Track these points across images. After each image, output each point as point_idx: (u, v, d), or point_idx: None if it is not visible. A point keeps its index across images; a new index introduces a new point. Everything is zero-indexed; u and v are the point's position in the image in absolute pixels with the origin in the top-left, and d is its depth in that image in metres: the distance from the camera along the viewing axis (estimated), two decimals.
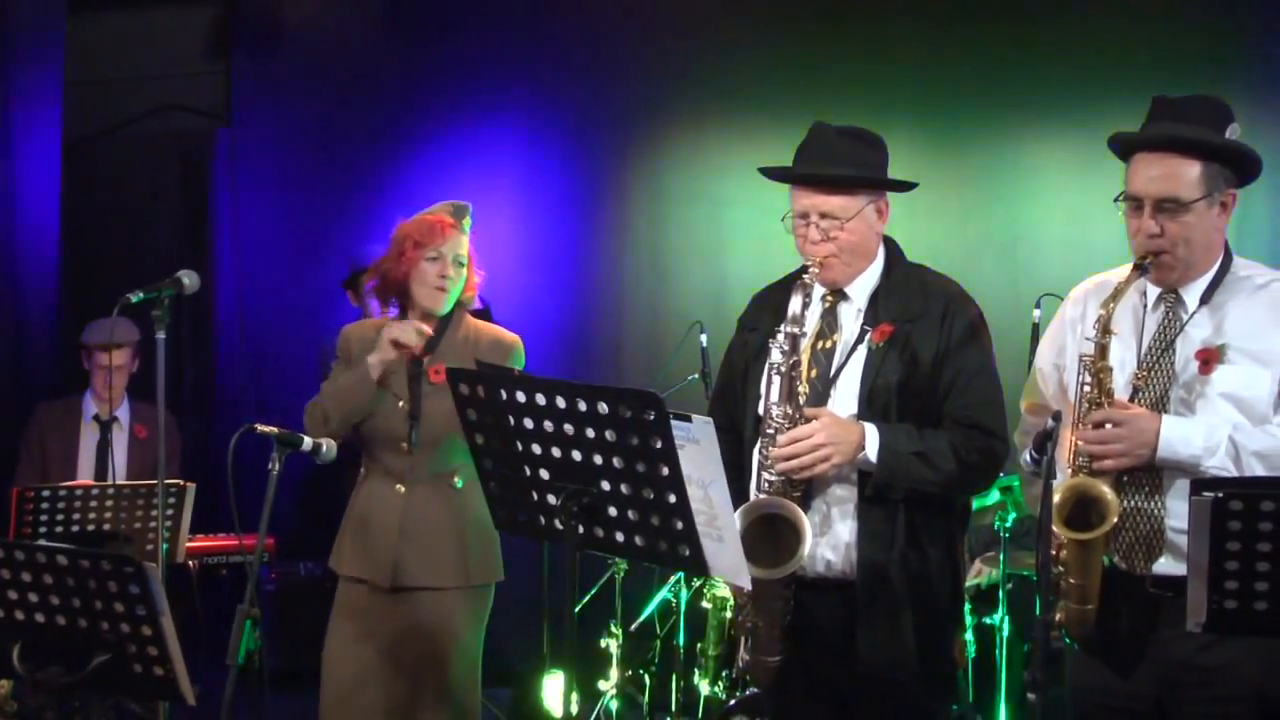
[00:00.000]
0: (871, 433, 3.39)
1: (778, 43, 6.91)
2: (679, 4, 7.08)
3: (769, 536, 3.33)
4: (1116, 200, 3.39)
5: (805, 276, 3.47)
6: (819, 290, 3.58)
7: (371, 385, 4.15)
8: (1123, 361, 3.36)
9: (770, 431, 3.43)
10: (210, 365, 7.65)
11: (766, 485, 3.43)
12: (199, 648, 4.63)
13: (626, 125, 7.16)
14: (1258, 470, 3.18)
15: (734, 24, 7.00)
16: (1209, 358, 3.30)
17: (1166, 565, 3.28)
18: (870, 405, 3.46)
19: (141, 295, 4.29)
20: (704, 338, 5.84)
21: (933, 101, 6.62)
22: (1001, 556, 5.17)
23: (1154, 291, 3.42)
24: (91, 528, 4.94)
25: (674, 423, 2.84)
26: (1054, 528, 3.19)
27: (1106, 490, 3.23)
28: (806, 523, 3.34)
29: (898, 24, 6.75)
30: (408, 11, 7.49)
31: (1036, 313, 5.14)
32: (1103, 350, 3.30)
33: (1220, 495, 2.75)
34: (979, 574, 5.54)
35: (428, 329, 4.19)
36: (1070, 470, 3.33)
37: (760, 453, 3.47)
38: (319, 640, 4.30)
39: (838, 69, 6.72)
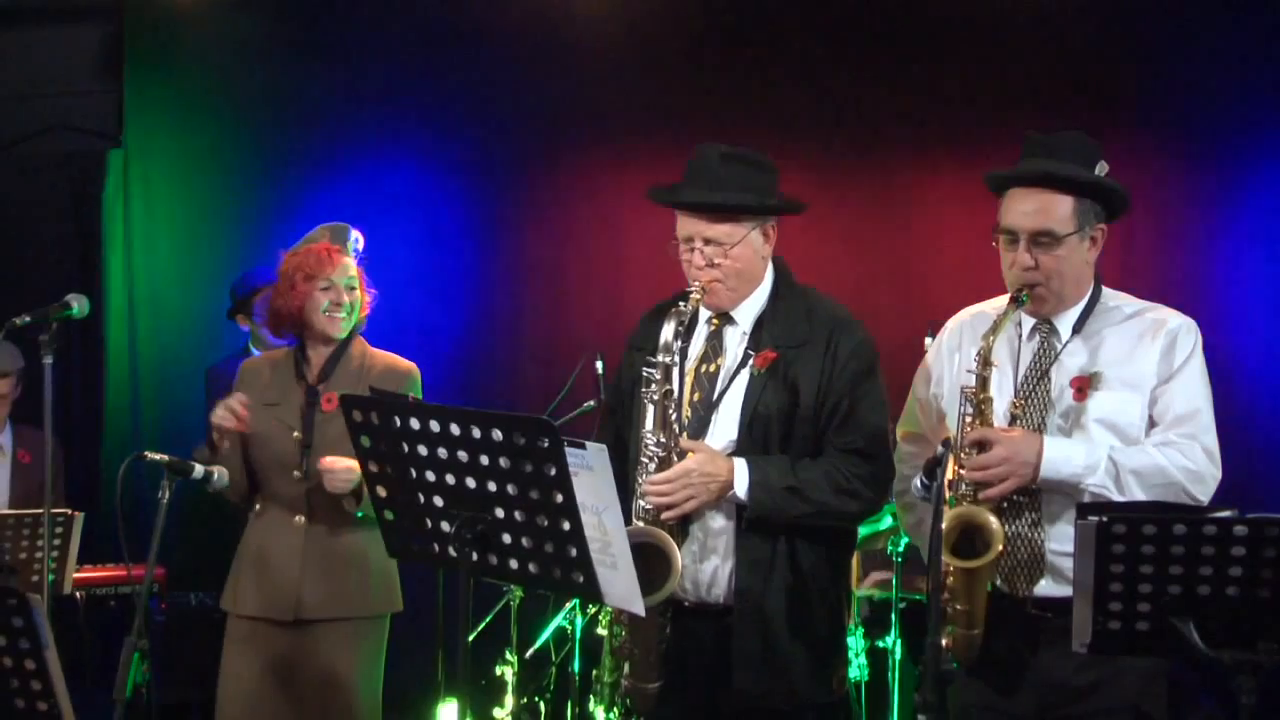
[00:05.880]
0: (741, 469, 3.38)
1: (673, 70, 6.95)
2: (576, 32, 7.09)
3: (640, 565, 3.24)
4: (992, 234, 3.47)
5: (681, 304, 3.46)
6: (705, 312, 3.58)
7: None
8: (1000, 388, 3.43)
9: (644, 460, 3.43)
10: (99, 391, 7.50)
11: (643, 512, 3.43)
12: (85, 681, 4.54)
13: (524, 151, 7.15)
14: (1134, 487, 3.27)
15: (629, 51, 7.03)
16: (1083, 385, 3.40)
17: (1047, 587, 3.36)
18: (750, 433, 3.45)
19: (29, 319, 4.22)
20: (600, 365, 5.83)
21: (826, 129, 6.70)
22: (894, 580, 5.24)
23: (1029, 321, 3.52)
24: None
25: (568, 450, 2.85)
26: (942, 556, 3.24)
27: (991, 519, 3.29)
28: (677, 553, 3.36)
29: (793, 53, 6.82)
30: (305, 36, 7.43)
31: (928, 340, 5.20)
32: (984, 383, 3.37)
33: (1105, 519, 2.81)
34: (872, 585, 5.59)
35: (239, 409, 4.09)
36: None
37: (637, 478, 3.46)
38: (209, 673, 4.23)
39: (733, 96, 6.78)
